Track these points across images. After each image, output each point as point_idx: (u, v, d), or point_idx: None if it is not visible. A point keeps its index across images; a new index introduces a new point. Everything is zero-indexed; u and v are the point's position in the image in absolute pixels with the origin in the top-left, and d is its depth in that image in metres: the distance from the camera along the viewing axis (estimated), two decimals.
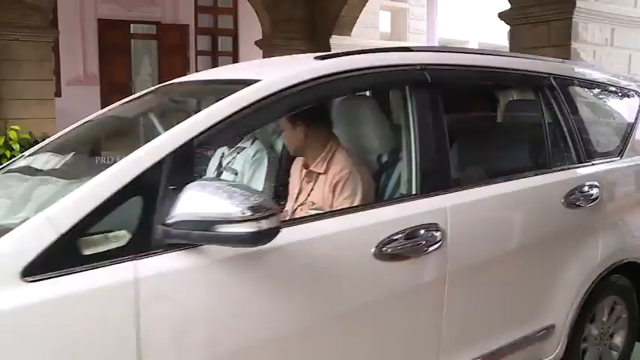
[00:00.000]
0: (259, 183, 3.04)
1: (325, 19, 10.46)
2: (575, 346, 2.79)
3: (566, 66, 3.21)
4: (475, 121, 3.16)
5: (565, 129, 2.78)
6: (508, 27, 6.67)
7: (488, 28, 14.32)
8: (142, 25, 13.02)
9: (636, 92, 3.39)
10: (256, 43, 11.07)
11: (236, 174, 3.12)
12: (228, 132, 1.90)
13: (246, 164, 3.11)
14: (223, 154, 3.23)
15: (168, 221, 1.55)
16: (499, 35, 11.09)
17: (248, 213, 1.50)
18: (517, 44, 6.37)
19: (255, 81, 1.94)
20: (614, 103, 3.51)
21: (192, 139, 1.69)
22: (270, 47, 10.46)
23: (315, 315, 1.87)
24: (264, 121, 2.31)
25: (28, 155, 2.57)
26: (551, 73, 2.84)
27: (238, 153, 3.16)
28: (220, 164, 3.21)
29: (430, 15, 15.86)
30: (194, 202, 1.56)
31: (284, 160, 3.09)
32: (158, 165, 1.61)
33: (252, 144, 3.15)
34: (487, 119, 3.29)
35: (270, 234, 1.55)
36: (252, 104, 1.83)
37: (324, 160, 2.55)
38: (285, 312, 1.80)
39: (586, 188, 2.72)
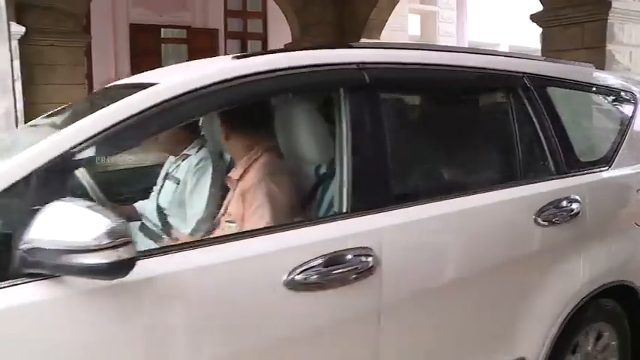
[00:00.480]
0: (202, 193, 2.73)
1: (354, 23, 10.43)
2: None
3: (544, 64, 2.80)
4: (425, 128, 2.63)
5: (541, 136, 2.42)
6: (540, 29, 6.59)
7: (519, 31, 14.16)
8: (172, 30, 13.11)
9: (632, 94, 2.98)
10: (285, 46, 11.10)
11: (178, 183, 2.84)
12: (110, 143, 1.62)
13: (189, 173, 2.80)
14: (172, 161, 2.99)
15: (22, 247, 1.34)
16: (531, 38, 10.96)
17: (104, 241, 1.29)
18: (549, 47, 6.27)
19: (152, 85, 1.75)
20: (604, 107, 3.11)
21: (62, 154, 1.48)
22: None
23: (207, 356, 1.59)
24: (159, 128, 1.93)
25: None
26: (525, 72, 2.47)
27: (183, 160, 2.86)
28: (167, 173, 2.95)
29: (460, 17, 15.77)
30: (48, 225, 1.35)
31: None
32: (23, 181, 1.42)
33: (197, 151, 2.86)
34: (441, 125, 2.56)
35: (127, 265, 1.34)
36: (143, 111, 1.61)
37: (243, 167, 2.32)
38: (166, 353, 1.54)
39: (564, 203, 2.36)
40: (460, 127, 2.56)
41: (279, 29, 11.97)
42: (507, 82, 2.46)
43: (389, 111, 2.11)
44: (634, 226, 2.68)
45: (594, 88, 2.96)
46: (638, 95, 2.97)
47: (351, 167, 1.87)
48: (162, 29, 12.85)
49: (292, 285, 1.64)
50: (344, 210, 1.86)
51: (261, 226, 2.02)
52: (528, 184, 2.37)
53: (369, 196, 1.89)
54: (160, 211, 2.82)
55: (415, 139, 2.43)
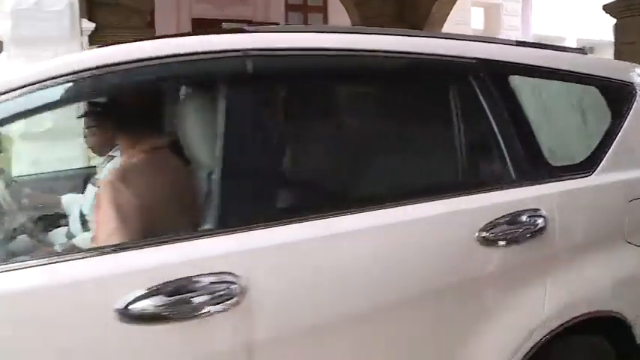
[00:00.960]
0: None
1: (415, 16, 10.31)
2: None
3: (508, 49, 2.19)
4: (333, 128, 2.01)
5: (497, 135, 1.94)
6: (612, 21, 6.36)
7: (588, 23, 13.72)
8: (233, 24, 13.34)
9: (629, 87, 2.37)
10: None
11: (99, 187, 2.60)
12: None
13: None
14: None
15: None
16: (600, 30, 10.60)
17: None
18: (623, 39, 6.03)
19: None
20: (589, 101, 2.42)
21: None
22: None
23: None
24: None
25: None
26: (478, 58, 1.97)
27: (108, 162, 2.70)
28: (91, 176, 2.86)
29: (525, 10, 15.40)
30: None
31: None
32: None
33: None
34: (354, 124, 2.08)
35: None
36: None
37: (102, 168, 2.16)
38: None
39: (524, 217, 1.88)
40: (381, 126, 2.07)
41: (340, 23, 12.00)
42: (454, 69, 1.97)
43: (280, 108, 1.77)
44: (624, 245, 2.14)
45: (577, 78, 2.33)
46: (638, 88, 2.36)
47: (221, 175, 1.56)
48: (223, 23, 13.05)
49: (127, 317, 1.33)
50: (207, 227, 1.55)
51: (106, 237, 1.75)
52: (471, 194, 1.86)
53: (242, 211, 1.56)
54: (82, 217, 2.65)
55: (318, 142, 1.92)
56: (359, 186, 1.88)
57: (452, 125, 1.91)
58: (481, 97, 1.93)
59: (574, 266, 2.02)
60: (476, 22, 13.67)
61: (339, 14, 11.88)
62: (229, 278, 1.41)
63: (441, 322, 1.77)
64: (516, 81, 2.07)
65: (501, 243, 1.81)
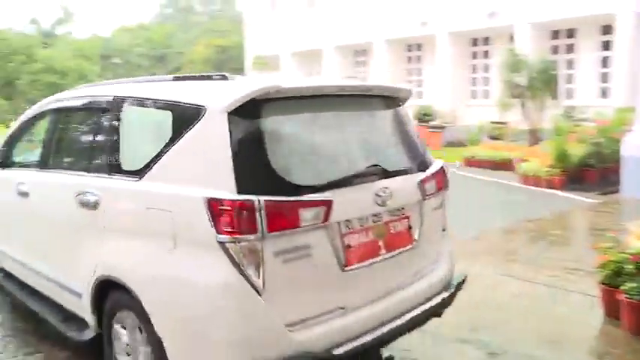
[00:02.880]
0: None
1: None
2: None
3: (134, 86, 3.76)
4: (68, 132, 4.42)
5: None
6: None
7: None
8: None
9: (198, 109, 2.87)
10: None
11: None
12: None
13: None
14: None
15: None
16: None
17: None
18: None
19: None
20: (159, 121, 3.19)
21: None
22: None
23: None
24: None
25: None
26: (113, 95, 3.67)
27: None
28: None
29: None
30: None
31: None
32: None
33: None
34: (72, 132, 4.41)
35: None
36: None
37: None
38: None
39: (85, 196, 3.52)
40: (74, 133, 4.36)
41: None
42: (101, 103, 3.75)
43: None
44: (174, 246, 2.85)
45: (156, 103, 3.27)
46: (210, 108, 2.82)
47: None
48: None
49: None
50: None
51: None
52: (70, 173, 3.87)
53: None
54: None
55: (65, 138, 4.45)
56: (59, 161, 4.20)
57: (96, 134, 3.73)
58: (107, 119, 3.60)
59: (107, 235, 3.33)
60: None
61: None
62: None
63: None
64: (128, 107, 3.48)
65: (83, 207, 3.52)
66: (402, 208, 3.33)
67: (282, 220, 2.67)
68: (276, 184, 2.73)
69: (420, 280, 3.47)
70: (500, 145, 15.22)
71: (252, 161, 2.73)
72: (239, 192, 2.63)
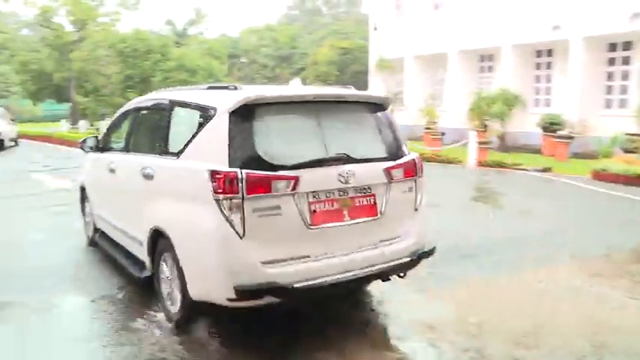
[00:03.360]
0: None
1: None
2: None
3: (176, 93, 5.47)
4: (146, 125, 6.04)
5: (169, 134, 4.97)
6: None
7: None
8: None
9: (212, 109, 4.30)
10: None
11: None
12: None
13: None
14: None
15: None
16: None
17: None
18: None
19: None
20: (190, 118, 4.65)
21: None
22: None
23: None
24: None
25: None
26: (169, 99, 5.31)
27: None
28: None
29: None
30: None
31: None
32: None
33: None
34: (148, 124, 6.02)
35: None
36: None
37: None
38: None
39: (146, 170, 5.04)
40: (150, 124, 5.77)
41: None
42: (164, 105, 5.29)
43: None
44: (213, 200, 3.98)
45: (181, 107, 4.97)
46: (219, 109, 4.23)
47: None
48: None
49: None
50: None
51: None
52: (147, 154, 5.29)
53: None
54: None
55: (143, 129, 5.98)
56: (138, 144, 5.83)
57: (155, 126, 5.34)
58: (168, 118, 5.07)
59: (157, 198, 4.81)
60: None
61: None
62: None
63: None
64: (176, 108, 5.02)
65: (145, 179, 5.05)
66: (369, 188, 4.43)
67: (258, 187, 3.93)
68: (258, 163, 3.99)
69: (384, 245, 4.51)
70: (636, 158, 14.16)
71: (241, 146, 4.03)
72: (229, 167, 3.96)
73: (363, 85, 41.03)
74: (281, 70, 60.87)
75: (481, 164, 16.03)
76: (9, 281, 6.10)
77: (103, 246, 6.66)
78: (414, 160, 4.78)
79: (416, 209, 4.78)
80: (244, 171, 3.91)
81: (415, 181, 4.76)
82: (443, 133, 20.72)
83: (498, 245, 7.26)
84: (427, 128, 21.62)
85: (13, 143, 27.66)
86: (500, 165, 15.78)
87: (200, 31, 58.94)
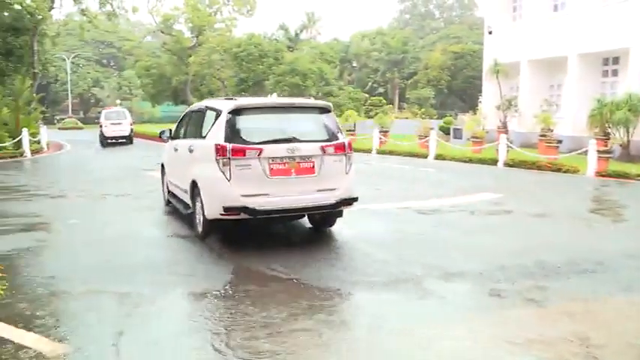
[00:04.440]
0: None
1: None
2: None
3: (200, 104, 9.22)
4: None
5: (208, 126, 7.67)
6: None
7: None
8: None
9: (219, 110, 7.52)
10: None
11: None
12: None
13: None
14: None
15: None
16: None
17: None
18: None
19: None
20: (212, 118, 7.69)
21: None
22: None
23: None
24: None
25: None
26: (205, 105, 8.64)
27: None
28: None
29: None
30: None
31: None
32: None
33: None
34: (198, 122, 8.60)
35: None
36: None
37: None
38: None
39: (192, 147, 8.22)
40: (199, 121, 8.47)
41: None
42: (204, 109, 8.50)
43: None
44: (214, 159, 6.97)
45: (209, 109, 8.13)
46: (223, 111, 7.27)
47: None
48: None
49: None
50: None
51: None
52: (204, 139, 7.69)
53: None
54: None
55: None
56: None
57: (197, 122, 8.58)
58: (201, 116, 8.49)
59: (194, 163, 7.89)
60: None
61: None
62: None
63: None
64: (207, 110, 8.27)
65: (189, 152, 8.31)
66: (309, 157, 7.09)
67: (238, 153, 6.80)
68: (239, 140, 6.95)
69: (319, 193, 7.15)
70: None
71: (232, 132, 7.01)
72: (225, 142, 6.91)
73: (476, 90, 39.99)
74: (391, 74, 60.60)
75: (601, 174, 15.04)
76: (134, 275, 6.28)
77: (172, 201, 9.78)
78: (343, 142, 7.47)
79: (346, 173, 7.45)
80: (231, 144, 6.89)
81: (345, 155, 7.42)
82: (559, 141, 19.64)
83: (620, 262, 6.66)
84: (542, 135, 20.55)
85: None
86: (622, 175, 14.72)
87: (312, 35, 59.88)
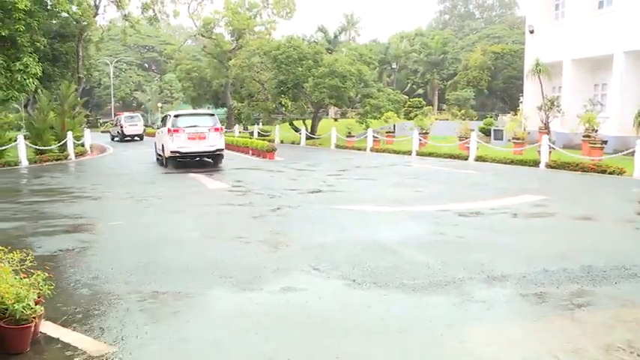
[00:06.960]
0: None
1: None
2: None
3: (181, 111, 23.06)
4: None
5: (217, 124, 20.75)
6: None
7: None
8: None
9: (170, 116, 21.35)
10: None
11: None
12: None
13: None
14: None
15: None
16: None
17: None
18: None
19: None
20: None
21: None
22: None
23: None
24: None
25: None
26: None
27: None
28: None
29: None
30: None
31: None
32: None
33: None
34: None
35: None
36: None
37: None
38: None
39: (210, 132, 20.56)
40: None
41: None
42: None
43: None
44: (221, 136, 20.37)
45: (168, 115, 22.75)
46: (172, 114, 20.97)
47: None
48: None
49: None
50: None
51: None
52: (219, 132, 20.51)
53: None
54: None
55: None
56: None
57: (166, 120, 22.34)
58: (166, 116, 24.70)
59: (162, 137, 21.24)
60: None
61: None
62: None
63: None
64: (167, 114, 23.98)
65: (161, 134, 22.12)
66: (204, 132, 19.56)
67: (175, 131, 19.48)
68: (175, 127, 19.66)
69: (209, 147, 19.63)
70: None
71: (174, 123, 19.79)
72: (171, 127, 19.75)
73: (517, 91, 39.39)
74: (431, 75, 60.13)
75: None
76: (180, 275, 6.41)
77: (158, 156, 21.88)
78: (218, 127, 20.01)
79: (220, 139, 19.80)
80: (172, 128, 19.34)
81: (219, 132, 19.87)
82: (604, 142, 19.16)
83: None
84: (586, 136, 20.08)
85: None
86: None
87: (351, 37, 59.80)
